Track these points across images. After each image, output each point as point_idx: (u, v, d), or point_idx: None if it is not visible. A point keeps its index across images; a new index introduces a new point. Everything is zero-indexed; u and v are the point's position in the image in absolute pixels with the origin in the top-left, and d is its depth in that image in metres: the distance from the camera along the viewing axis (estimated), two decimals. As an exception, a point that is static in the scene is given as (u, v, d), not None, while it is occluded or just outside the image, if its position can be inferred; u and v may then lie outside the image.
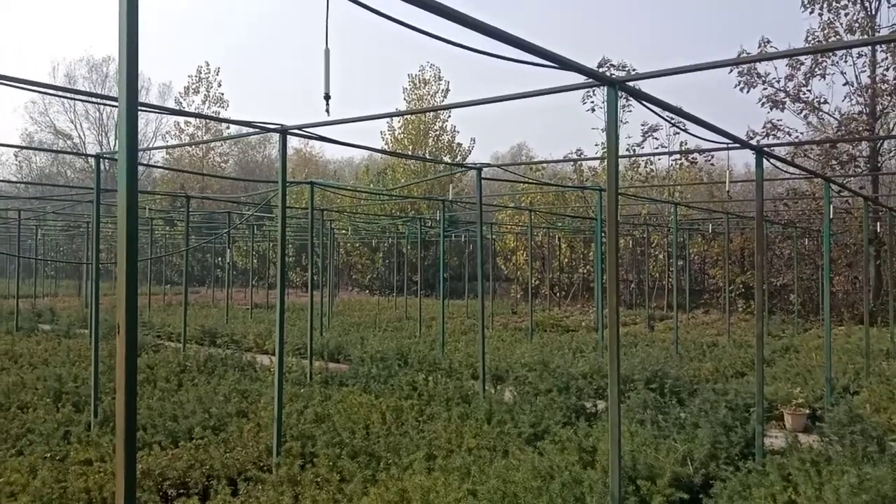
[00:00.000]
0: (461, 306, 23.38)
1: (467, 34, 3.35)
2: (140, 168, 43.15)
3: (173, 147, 50.02)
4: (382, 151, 12.26)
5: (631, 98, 6.14)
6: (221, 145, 45.00)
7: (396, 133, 36.80)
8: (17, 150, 49.39)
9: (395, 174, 35.12)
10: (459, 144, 37.02)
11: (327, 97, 3.07)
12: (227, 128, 44.97)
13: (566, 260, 30.43)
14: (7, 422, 7.45)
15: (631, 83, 5.28)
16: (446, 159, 33.84)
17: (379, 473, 5.88)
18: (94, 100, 34.07)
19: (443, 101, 35.73)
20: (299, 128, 6.68)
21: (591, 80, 4.87)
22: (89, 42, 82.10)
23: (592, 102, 25.92)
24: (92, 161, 46.58)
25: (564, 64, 4.31)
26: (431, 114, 36.40)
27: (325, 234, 17.67)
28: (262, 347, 13.94)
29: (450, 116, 37.01)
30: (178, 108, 41.51)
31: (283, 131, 6.66)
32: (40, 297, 24.95)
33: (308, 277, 10.76)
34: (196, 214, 25.56)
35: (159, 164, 35.09)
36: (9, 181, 46.95)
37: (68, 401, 8.46)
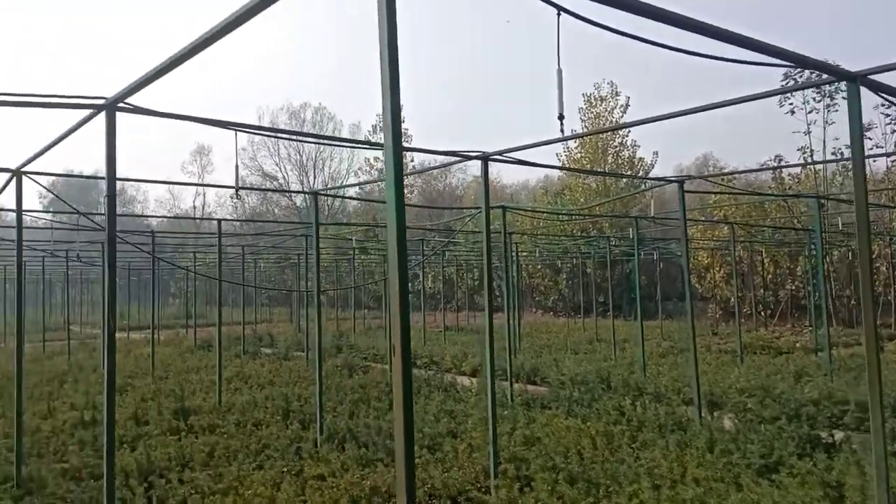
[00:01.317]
0: (653, 327, 22.36)
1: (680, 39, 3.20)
2: (337, 201, 46.27)
3: (371, 182, 53.20)
4: (591, 172, 12.14)
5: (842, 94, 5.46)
6: (406, 177, 47.31)
7: (574, 153, 36.41)
8: (234, 191, 55.31)
9: (574, 194, 34.70)
10: (641, 159, 35.80)
11: (561, 117, 3.05)
12: (412, 160, 47.22)
13: (769, 276, 28.12)
14: (246, 437, 8.22)
15: (874, 76, 4.73)
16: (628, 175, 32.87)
17: (601, 502, 5.69)
18: (325, 142, 37.41)
19: (622, 117, 34.83)
20: (500, 153, 6.80)
21: (821, 76, 4.44)
22: (288, 92, 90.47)
23: (791, 104, 23.93)
24: (302, 198, 51.05)
25: (801, 62, 3.97)
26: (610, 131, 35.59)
27: (510, 257, 17.82)
28: (459, 368, 14.25)
29: (629, 132, 35.96)
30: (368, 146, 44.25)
31: (485, 158, 6.80)
32: (257, 323, 27.65)
33: (493, 300, 10.86)
34: (385, 242, 26.96)
35: (359, 197, 37.62)
36: (229, 219, 52.59)
37: (295, 418, 9.18)
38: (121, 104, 4.55)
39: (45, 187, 6.80)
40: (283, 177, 56.02)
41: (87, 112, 4.91)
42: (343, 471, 6.63)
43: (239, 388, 11.87)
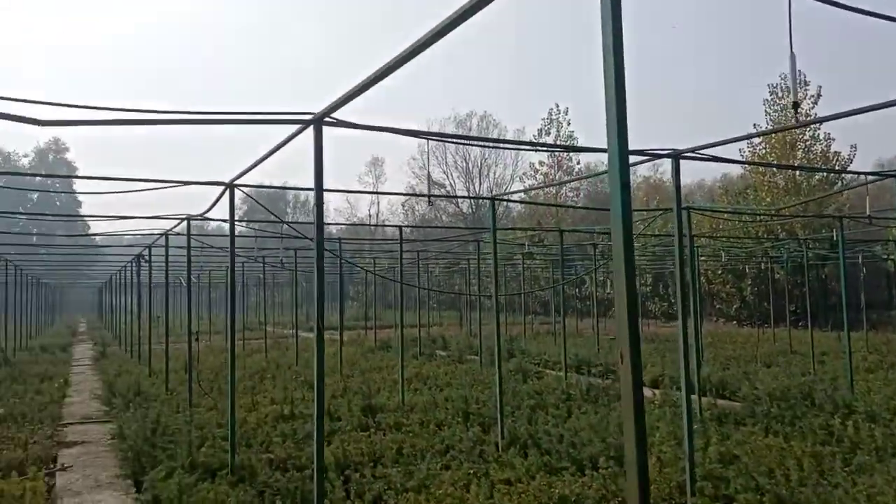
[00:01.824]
0: (856, 339, 20.15)
1: None
2: (501, 207, 46.62)
3: (532, 188, 53.14)
4: (802, 168, 11.22)
5: None
6: (581, 180, 46.62)
7: (758, 149, 33.82)
8: (404, 199, 57.65)
9: (760, 193, 32.20)
10: (837, 153, 32.49)
11: (796, 105, 2.78)
12: (578, 162, 46.47)
13: None
14: (430, 437, 8.43)
15: None
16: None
17: (818, 530, 5.16)
18: (489, 144, 38.10)
19: (812, 109, 31.83)
20: (692, 150, 6.43)
21: None
22: (455, 102, 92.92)
23: None
24: (468, 204, 52.07)
25: None
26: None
27: (690, 261, 16.85)
28: (637, 378, 13.69)
29: (821, 125, 32.73)
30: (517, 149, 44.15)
31: (676, 156, 6.46)
32: (430, 326, 28.53)
33: (666, 307, 10.28)
34: (552, 248, 26.69)
35: (525, 201, 37.71)
36: (409, 226, 54.87)
37: (475, 421, 9.28)
38: (327, 118, 4.83)
39: (255, 199, 7.41)
40: (451, 183, 57.50)
41: (294, 127, 5.29)
42: (529, 477, 6.58)
43: (419, 389, 12.24)
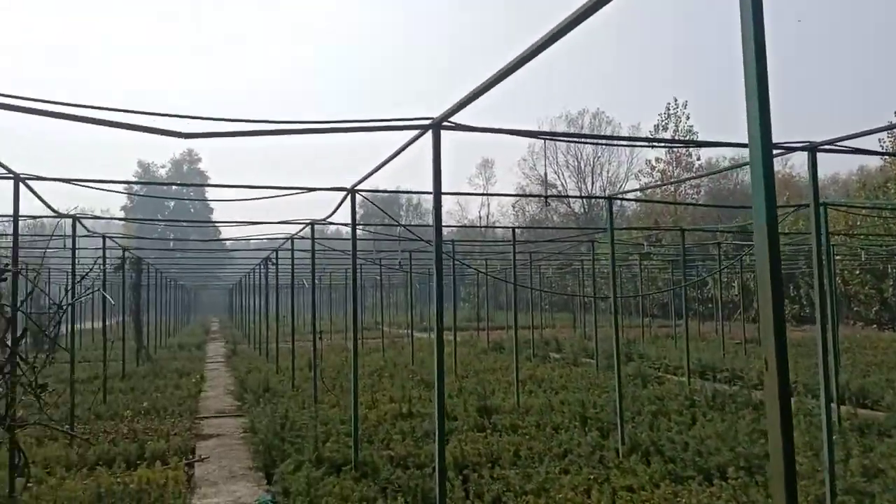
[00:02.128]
0: None
1: None
2: (615, 207, 45.51)
3: (652, 185, 51.59)
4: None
5: None
6: (698, 178, 44.74)
7: (902, 138, 31.10)
8: (514, 200, 57.48)
9: (905, 186, 29.61)
10: None
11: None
12: (698, 158, 44.58)
13: None
14: (547, 440, 8.35)
15: None
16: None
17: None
18: (599, 141, 37.36)
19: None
20: (830, 143, 6.01)
21: None
22: (565, 101, 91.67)
23: None
24: (580, 205, 51.25)
25: None
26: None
27: (828, 261, 15.72)
28: (766, 385, 12.93)
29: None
30: (648, 146, 42.86)
31: (813, 149, 6.07)
32: (542, 328, 28.29)
33: (797, 310, 9.57)
34: (671, 248, 25.73)
35: (643, 199, 36.61)
36: (522, 227, 54.80)
37: (593, 425, 9.10)
38: (444, 123, 4.90)
39: (375, 204, 7.63)
40: (562, 183, 56.73)
41: (412, 133, 5.40)
42: (653, 485, 6.37)
43: (533, 391, 12.16)
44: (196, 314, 60.62)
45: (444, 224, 5.12)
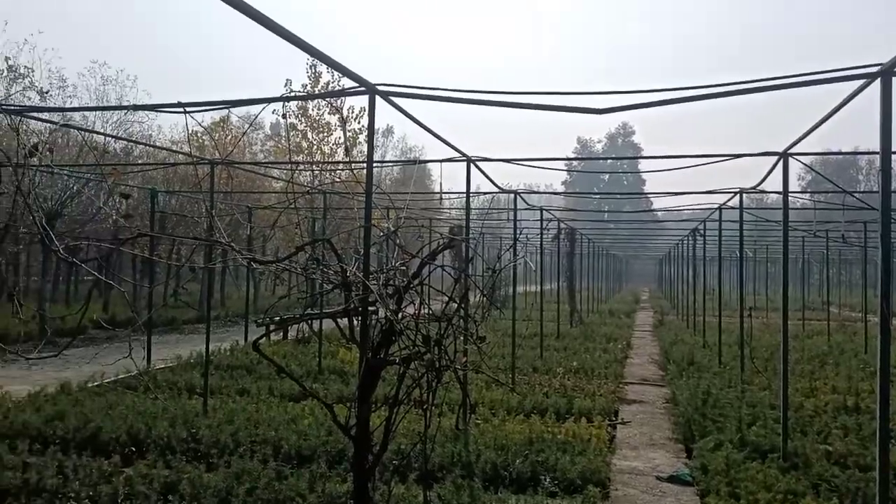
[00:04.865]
0: None
1: None
2: None
3: None
4: None
5: None
6: None
7: None
8: None
9: None
10: None
11: None
12: None
13: None
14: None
15: None
16: None
17: None
18: None
19: None
20: None
21: None
22: None
23: None
24: None
25: None
26: None
27: None
28: None
29: None
30: None
31: None
32: None
33: None
34: None
35: None
36: None
37: None
38: (897, 67, 4.08)
39: (808, 167, 6.80)
40: None
41: (854, 85, 4.62)
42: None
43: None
44: (627, 283, 62.55)
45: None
